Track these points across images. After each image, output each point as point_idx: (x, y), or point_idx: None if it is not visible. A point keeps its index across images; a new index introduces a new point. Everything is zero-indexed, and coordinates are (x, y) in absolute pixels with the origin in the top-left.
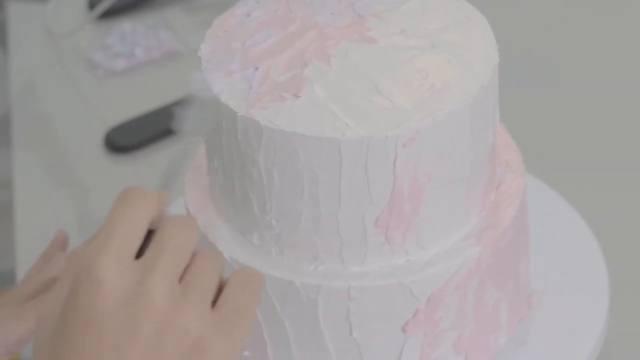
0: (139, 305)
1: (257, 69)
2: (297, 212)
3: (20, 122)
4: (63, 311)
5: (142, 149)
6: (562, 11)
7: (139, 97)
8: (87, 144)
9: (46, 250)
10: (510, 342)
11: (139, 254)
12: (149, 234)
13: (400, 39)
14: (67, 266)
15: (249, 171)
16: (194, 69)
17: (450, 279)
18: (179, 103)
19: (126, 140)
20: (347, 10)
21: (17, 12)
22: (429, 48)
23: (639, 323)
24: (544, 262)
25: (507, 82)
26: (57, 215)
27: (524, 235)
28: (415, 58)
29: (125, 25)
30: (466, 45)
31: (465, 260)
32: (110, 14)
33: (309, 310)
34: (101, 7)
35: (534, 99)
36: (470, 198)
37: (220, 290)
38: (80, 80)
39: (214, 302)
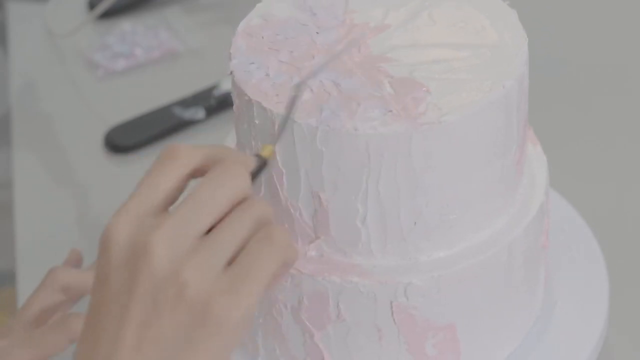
0: (139, 261)
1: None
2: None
3: (20, 122)
4: None
5: (142, 149)
6: (551, 8)
7: (139, 97)
8: (87, 144)
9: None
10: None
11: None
12: None
13: (396, 13)
14: None
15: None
16: (193, 68)
17: (547, 180)
18: (179, 103)
19: (126, 140)
20: (325, 23)
21: (17, 12)
22: (427, 6)
23: (639, 323)
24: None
25: None
26: (57, 215)
27: None
28: (433, 18)
29: (125, 25)
30: None
31: (540, 207)
32: (110, 14)
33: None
34: (101, 7)
35: (531, 99)
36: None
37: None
38: (80, 80)
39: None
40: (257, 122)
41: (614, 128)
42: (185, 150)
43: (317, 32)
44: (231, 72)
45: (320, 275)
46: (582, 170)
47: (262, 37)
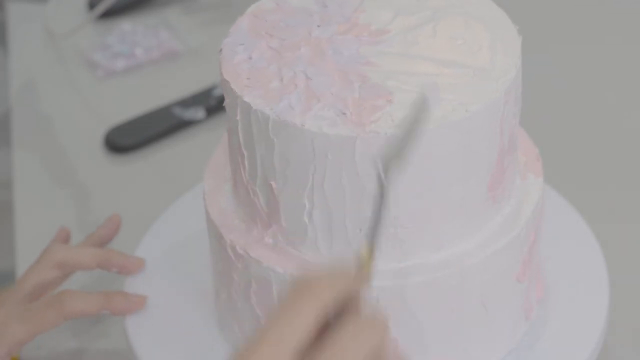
0: None
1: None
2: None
3: (20, 122)
4: None
5: (142, 149)
6: (549, 7)
7: (139, 97)
8: (87, 144)
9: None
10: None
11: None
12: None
13: (403, 20)
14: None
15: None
16: (193, 68)
17: (539, 213)
18: (178, 103)
19: (126, 140)
20: (330, 18)
21: (17, 12)
22: (435, 18)
23: (639, 323)
24: (544, 263)
25: None
26: (57, 215)
27: None
28: (436, 30)
29: (125, 25)
30: (458, 4)
31: (513, 240)
32: (110, 14)
33: (447, 294)
34: (101, 7)
35: (531, 99)
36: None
37: None
38: (80, 80)
39: None
40: (228, 100)
41: (614, 128)
42: (315, 286)
43: (319, 26)
44: (220, 49)
45: (265, 262)
46: (583, 171)
47: (266, 21)
